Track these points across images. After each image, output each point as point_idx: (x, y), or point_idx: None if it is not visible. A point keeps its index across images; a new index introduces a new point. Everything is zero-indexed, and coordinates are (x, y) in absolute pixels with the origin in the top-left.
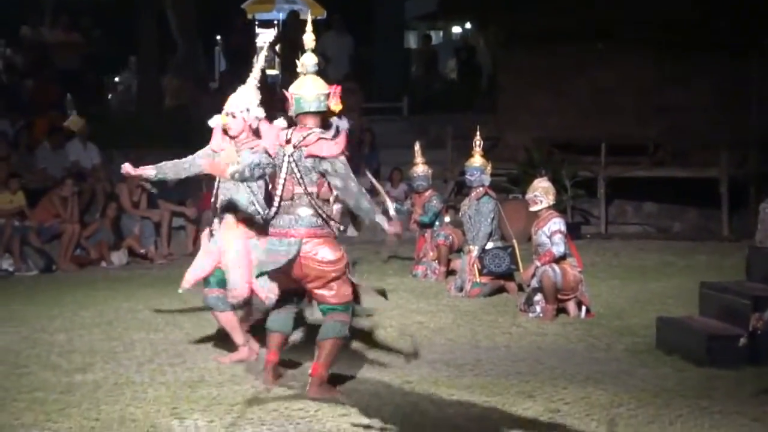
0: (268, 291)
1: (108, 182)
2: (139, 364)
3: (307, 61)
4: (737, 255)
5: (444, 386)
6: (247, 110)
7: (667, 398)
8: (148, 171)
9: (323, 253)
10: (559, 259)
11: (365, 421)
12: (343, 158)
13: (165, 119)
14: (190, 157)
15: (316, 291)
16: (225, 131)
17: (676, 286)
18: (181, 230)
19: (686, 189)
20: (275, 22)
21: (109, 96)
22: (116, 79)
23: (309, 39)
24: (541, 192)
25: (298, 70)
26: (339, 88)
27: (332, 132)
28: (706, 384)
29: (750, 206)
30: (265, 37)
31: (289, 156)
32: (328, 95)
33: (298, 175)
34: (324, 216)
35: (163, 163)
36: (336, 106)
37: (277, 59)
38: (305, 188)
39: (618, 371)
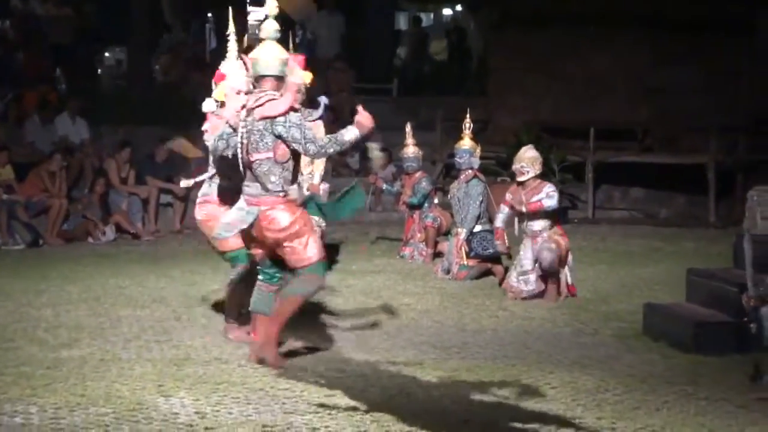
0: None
1: (96, 158)
2: (125, 341)
3: (268, 26)
4: (724, 242)
5: (430, 368)
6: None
7: (654, 384)
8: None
9: (278, 220)
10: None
11: (351, 402)
12: (295, 114)
13: (155, 96)
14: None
15: (280, 256)
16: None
17: (663, 272)
18: (168, 207)
19: (674, 175)
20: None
21: (99, 71)
22: (106, 54)
23: (272, 5)
24: (528, 162)
25: (260, 35)
26: (302, 58)
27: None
28: (692, 370)
29: (737, 193)
30: (256, 15)
31: (243, 121)
32: (286, 61)
33: (254, 140)
34: (280, 181)
35: None
36: (307, 77)
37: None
38: (262, 153)
39: (605, 356)
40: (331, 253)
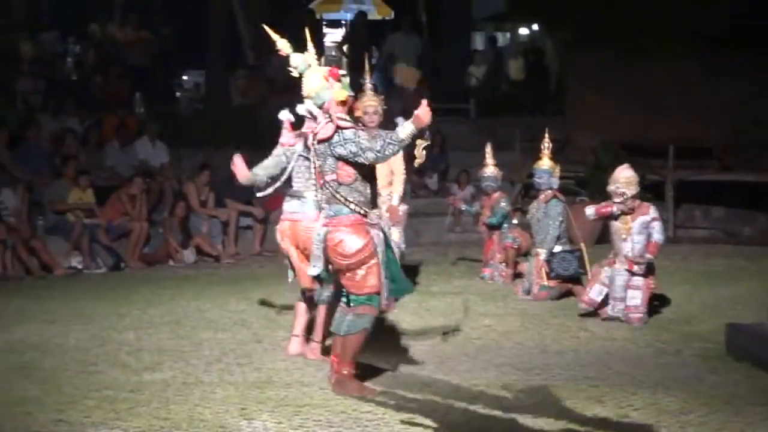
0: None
1: (176, 181)
2: (207, 364)
3: (295, 61)
4: None
5: (512, 390)
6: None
7: (738, 405)
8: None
9: (345, 243)
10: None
11: (433, 425)
12: (348, 130)
13: (234, 118)
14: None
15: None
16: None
17: (746, 292)
18: (248, 230)
19: (756, 193)
20: (343, 22)
21: (178, 94)
22: (185, 77)
23: (283, 45)
24: (624, 183)
25: (292, 72)
26: (336, 70)
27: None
28: None
29: None
30: (332, 37)
31: (313, 145)
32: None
33: (320, 164)
34: (347, 202)
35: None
36: (341, 93)
37: (344, 59)
38: (328, 175)
39: (687, 377)
40: (410, 274)
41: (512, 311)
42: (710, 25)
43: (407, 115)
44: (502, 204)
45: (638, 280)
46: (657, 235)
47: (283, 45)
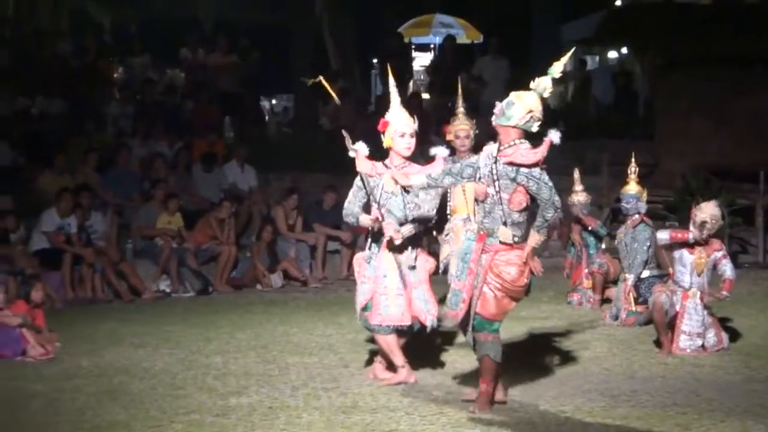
0: (428, 313)
1: (264, 205)
2: (293, 388)
3: (543, 82)
4: None
5: (599, 417)
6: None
7: None
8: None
9: (509, 270)
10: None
11: None
12: (538, 170)
13: (322, 142)
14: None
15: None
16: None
17: None
18: (336, 254)
19: None
20: (431, 46)
21: (267, 118)
22: (273, 101)
23: (558, 69)
24: (711, 220)
25: (531, 85)
26: (385, 122)
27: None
28: None
29: None
30: (421, 60)
31: (487, 164)
32: (539, 119)
33: (497, 181)
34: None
35: (353, 212)
36: (385, 141)
37: (432, 83)
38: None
39: None
40: None
41: (600, 337)
42: None
43: (495, 138)
44: (600, 229)
45: (708, 317)
46: (730, 273)
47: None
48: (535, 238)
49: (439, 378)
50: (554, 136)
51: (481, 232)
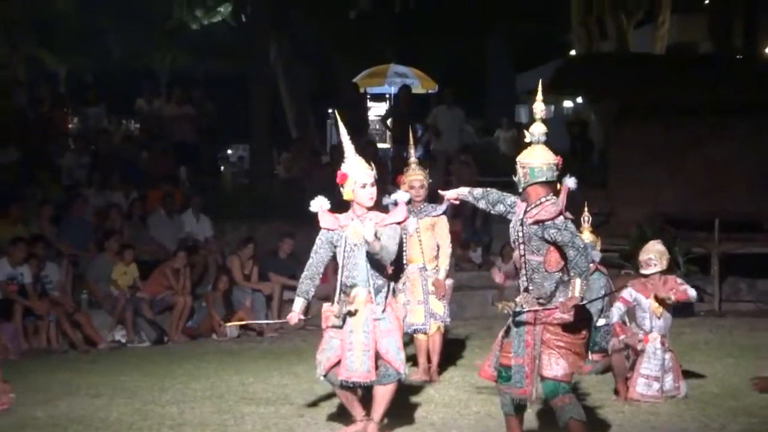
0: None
1: (220, 254)
2: None
3: (536, 130)
4: None
5: None
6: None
7: None
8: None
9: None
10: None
11: None
12: (561, 219)
13: (278, 191)
14: (313, 262)
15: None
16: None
17: None
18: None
19: None
20: (386, 96)
21: (222, 168)
22: (229, 151)
23: (539, 108)
24: (657, 255)
25: (527, 139)
26: (343, 175)
27: (444, 206)
28: None
29: None
30: (376, 110)
31: (519, 226)
32: (557, 165)
33: (525, 244)
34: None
35: (303, 286)
36: (346, 193)
37: (388, 133)
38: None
39: None
40: (454, 347)
41: None
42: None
43: (448, 186)
44: None
45: (669, 361)
46: (690, 291)
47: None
48: (578, 286)
49: (403, 429)
50: (570, 182)
51: (527, 305)
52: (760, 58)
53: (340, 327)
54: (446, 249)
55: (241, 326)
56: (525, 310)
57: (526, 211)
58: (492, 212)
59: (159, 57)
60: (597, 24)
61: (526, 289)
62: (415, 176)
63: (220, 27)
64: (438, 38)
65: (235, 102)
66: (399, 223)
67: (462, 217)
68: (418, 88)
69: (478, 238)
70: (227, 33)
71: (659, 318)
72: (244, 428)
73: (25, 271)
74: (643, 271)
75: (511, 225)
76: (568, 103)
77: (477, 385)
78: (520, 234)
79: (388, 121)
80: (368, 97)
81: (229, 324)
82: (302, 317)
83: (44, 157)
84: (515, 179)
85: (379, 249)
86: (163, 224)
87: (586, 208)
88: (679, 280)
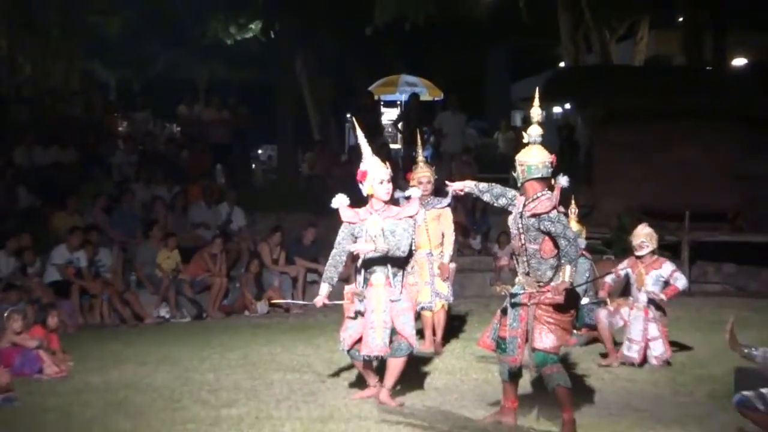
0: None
1: (251, 241)
2: (277, 401)
3: (533, 132)
4: None
5: (544, 425)
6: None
7: None
8: (324, 290)
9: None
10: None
11: None
12: (554, 213)
13: (302, 186)
14: (337, 252)
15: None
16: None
17: (752, 339)
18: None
19: (762, 252)
20: (398, 102)
21: (254, 166)
22: (260, 151)
23: (536, 112)
24: (647, 237)
25: (525, 140)
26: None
27: (449, 199)
28: None
29: None
30: (389, 115)
31: (519, 218)
32: (551, 163)
33: (524, 234)
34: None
35: (328, 273)
36: (366, 189)
37: (399, 135)
38: (529, 245)
39: (700, 415)
40: (456, 323)
41: None
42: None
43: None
44: None
45: (655, 330)
46: (680, 283)
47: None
48: (568, 272)
49: (410, 394)
50: (563, 180)
51: (527, 287)
52: (727, 69)
53: (362, 314)
54: (450, 237)
55: (271, 304)
56: (521, 292)
57: (524, 205)
58: (495, 204)
59: (198, 68)
60: (583, 39)
61: (527, 273)
62: (423, 173)
63: (252, 42)
64: (443, 52)
65: (265, 108)
66: (412, 216)
67: (464, 208)
68: (425, 96)
69: (477, 227)
70: (258, 47)
71: (639, 290)
72: (272, 392)
73: (81, 256)
74: (637, 253)
75: (510, 217)
76: (557, 109)
77: (476, 355)
78: (520, 225)
79: (399, 125)
80: (382, 103)
81: (260, 302)
82: (326, 301)
83: (97, 157)
84: (515, 175)
85: (387, 250)
86: (202, 215)
87: (573, 201)
88: (672, 267)
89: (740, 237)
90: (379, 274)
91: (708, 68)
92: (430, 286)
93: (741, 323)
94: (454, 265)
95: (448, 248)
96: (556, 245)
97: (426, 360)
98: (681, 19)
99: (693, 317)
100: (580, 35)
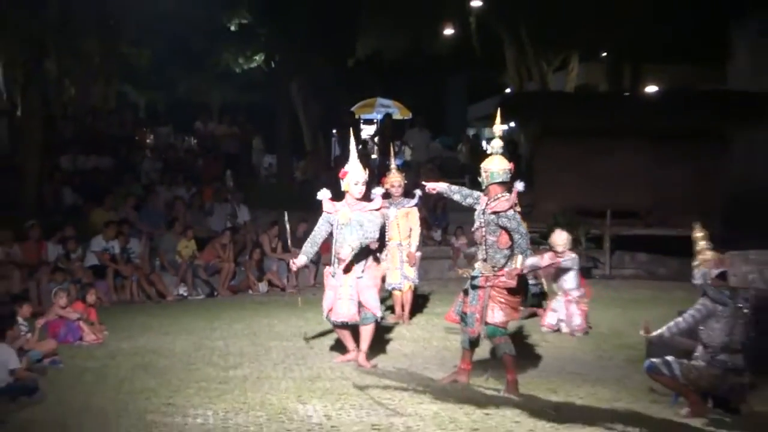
0: (376, 309)
1: (254, 233)
2: (274, 364)
3: (495, 144)
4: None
5: (495, 384)
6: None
7: (654, 395)
8: (301, 260)
9: (508, 288)
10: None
11: (433, 405)
12: (511, 211)
13: (296, 188)
14: (315, 233)
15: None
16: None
17: (661, 314)
18: (305, 268)
19: (669, 243)
20: (374, 120)
21: (263, 167)
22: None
23: (498, 128)
24: (564, 242)
25: (489, 151)
26: (344, 172)
27: (416, 199)
28: None
29: None
30: (367, 131)
31: (482, 214)
32: (510, 170)
33: (485, 227)
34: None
35: (306, 247)
36: (344, 186)
37: (375, 147)
38: (489, 236)
39: (619, 375)
40: (421, 301)
41: None
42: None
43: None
44: None
45: (574, 308)
46: (566, 262)
47: (324, 193)
48: (520, 261)
49: (383, 358)
50: (519, 185)
51: (484, 271)
52: (641, 95)
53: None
54: (417, 230)
55: (269, 284)
56: (479, 275)
57: (487, 204)
58: (463, 204)
59: (212, 92)
60: (525, 70)
61: (485, 260)
62: (395, 179)
63: (256, 70)
64: (412, 79)
65: (266, 124)
66: (377, 209)
67: (427, 207)
68: (397, 115)
69: (438, 222)
70: (261, 75)
71: (556, 281)
72: (270, 356)
73: (115, 245)
74: (558, 250)
75: (475, 213)
76: (504, 127)
77: (437, 327)
78: (482, 220)
79: (376, 139)
80: (361, 121)
81: (261, 283)
82: (301, 266)
83: (129, 164)
84: (480, 180)
85: (360, 244)
86: (215, 211)
87: (517, 203)
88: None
89: (651, 231)
90: (342, 253)
91: (626, 94)
92: (399, 271)
93: (652, 302)
94: (419, 253)
95: (415, 240)
96: (511, 238)
97: (395, 330)
98: (605, 54)
99: (612, 296)
100: (523, 66)
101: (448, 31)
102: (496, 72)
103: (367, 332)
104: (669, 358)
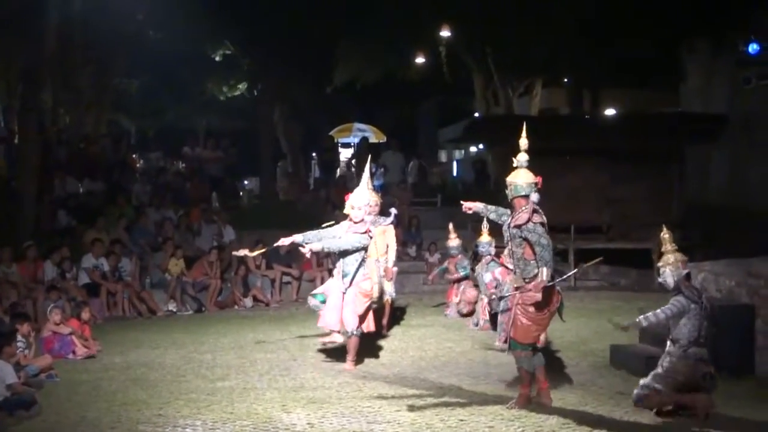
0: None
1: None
2: (260, 375)
3: (521, 158)
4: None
5: (465, 390)
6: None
7: (618, 399)
8: (316, 246)
9: (536, 300)
10: None
11: (410, 412)
12: (531, 224)
13: (279, 208)
14: (324, 234)
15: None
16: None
17: (623, 321)
18: (288, 285)
19: (629, 256)
20: (352, 144)
21: (241, 193)
22: (246, 181)
23: (523, 143)
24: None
25: (514, 164)
26: (347, 196)
27: (391, 218)
28: None
29: None
30: (345, 153)
31: (507, 228)
32: (536, 183)
33: (512, 241)
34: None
35: (306, 235)
36: (346, 210)
37: (353, 169)
38: (516, 249)
39: (584, 380)
40: (397, 313)
41: (466, 338)
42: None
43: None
44: (464, 263)
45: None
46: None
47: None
48: (545, 273)
49: (362, 368)
50: (534, 197)
51: (515, 284)
52: (600, 118)
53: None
54: (393, 247)
55: (254, 299)
56: (507, 294)
57: (511, 218)
58: (499, 222)
59: (198, 119)
60: (492, 95)
61: (514, 272)
62: (372, 198)
63: (240, 98)
64: (386, 105)
65: (250, 148)
66: (364, 233)
67: (402, 225)
68: (373, 139)
69: (413, 239)
70: (244, 102)
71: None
72: (256, 368)
73: (104, 262)
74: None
75: (503, 228)
76: (473, 148)
77: (413, 337)
78: (508, 234)
79: (353, 161)
80: (339, 144)
81: (246, 299)
82: (317, 250)
83: (120, 187)
84: (506, 193)
85: (322, 248)
86: (202, 231)
87: (485, 219)
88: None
89: (612, 245)
90: (337, 269)
91: (586, 116)
92: (377, 285)
93: (614, 311)
94: (396, 268)
95: (392, 256)
96: (533, 250)
97: (374, 340)
98: (566, 80)
99: (577, 306)
100: (490, 92)
101: (420, 60)
102: (465, 97)
103: (350, 344)
104: (641, 381)
